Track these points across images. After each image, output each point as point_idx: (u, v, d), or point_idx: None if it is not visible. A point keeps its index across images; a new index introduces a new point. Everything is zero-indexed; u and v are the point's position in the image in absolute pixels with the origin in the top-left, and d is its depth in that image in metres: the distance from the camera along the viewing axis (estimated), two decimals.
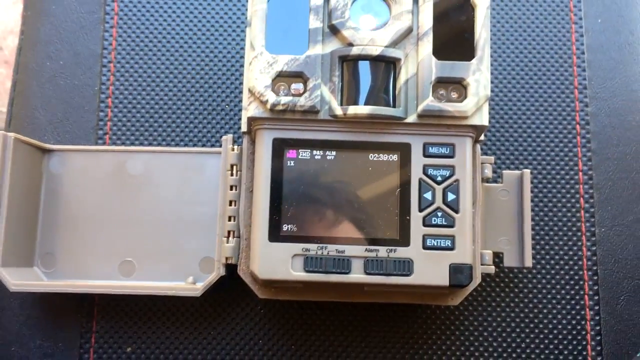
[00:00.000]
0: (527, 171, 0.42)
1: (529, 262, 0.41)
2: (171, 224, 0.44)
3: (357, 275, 0.36)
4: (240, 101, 0.47)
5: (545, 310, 0.44)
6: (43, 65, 0.48)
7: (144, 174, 0.44)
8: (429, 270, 0.36)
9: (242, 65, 0.47)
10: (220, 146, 0.44)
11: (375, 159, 0.37)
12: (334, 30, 0.37)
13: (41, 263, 0.44)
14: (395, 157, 0.37)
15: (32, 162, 0.44)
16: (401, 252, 0.36)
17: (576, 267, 0.45)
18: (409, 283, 0.36)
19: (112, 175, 0.44)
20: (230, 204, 0.41)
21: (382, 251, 0.36)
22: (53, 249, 0.44)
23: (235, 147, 0.41)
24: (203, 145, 0.47)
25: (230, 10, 0.48)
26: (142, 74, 0.48)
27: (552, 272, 0.44)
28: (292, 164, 0.37)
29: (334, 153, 0.37)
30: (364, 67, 0.37)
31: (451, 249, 0.37)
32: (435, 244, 0.37)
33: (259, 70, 0.37)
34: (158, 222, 0.44)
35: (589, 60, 0.48)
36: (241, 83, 0.47)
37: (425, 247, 0.37)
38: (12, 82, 0.49)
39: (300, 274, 0.36)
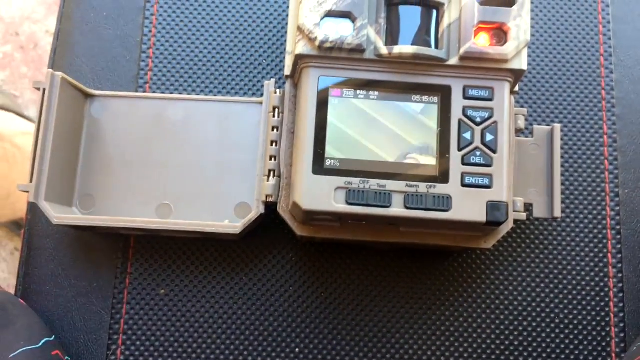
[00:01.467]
0: (557, 126, 0.43)
1: (558, 213, 0.42)
2: (208, 169, 0.45)
3: (397, 209, 0.37)
4: (278, 57, 0.48)
5: (571, 264, 0.45)
6: (87, 16, 0.50)
7: (183, 121, 0.45)
8: (467, 206, 0.37)
9: (280, 22, 0.49)
10: (260, 96, 0.46)
11: (417, 100, 0.39)
12: None
13: (80, 204, 0.45)
14: (436, 99, 0.39)
15: (76, 105, 0.45)
16: (440, 189, 0.38)
17: (600, 226, 0.46)
18: (447, 218, 0.37)
19: (151, 121, 0.45)
20: (272, 145, 0.42)
21: (422, 187, 0.38)
22: (92, 190, 0.45)
23: (278, 90, 0.42)
24: (244, 95, 0.48)
25: None
26: (182, 27, 0.49)
27: (577, 229, 0.46)
28: (337, 102, 0.39)
29: (377, 93, 0.39)
30: (409, 11, 0.39)
31: (489, 187, 0.38)
32: (474, 182, 0.38)
33: (308, 9, 0.38)
34: (196, 167, 0.45)
35: (614, 30, 0.49)
36: (279, 40, 0.49)
37: (463, 185, 0.38)
38: (55, 31, 0.50)
39: (342, 206, 0.37)
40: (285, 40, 0.47)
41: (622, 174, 0.47)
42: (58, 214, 0.42)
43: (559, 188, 0.43)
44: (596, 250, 0.46)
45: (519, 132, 0.42)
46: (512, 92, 0.41)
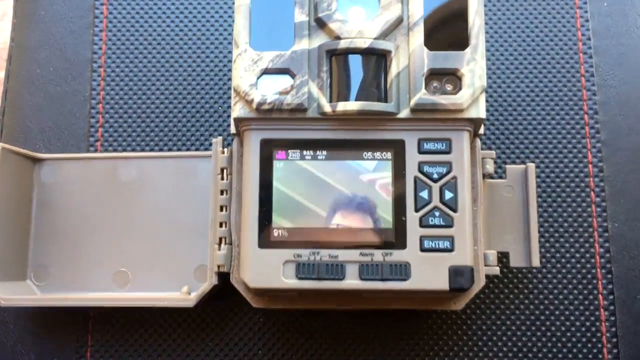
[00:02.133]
0: (531, 165, 0.40)
1: (536, 262, 0.39)
2: (165, 231, 0.42)
3: (352, 282, 0.35)
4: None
5: (557, 312, 0.42)
6: (33, 73, 0.47)
7: (137, 180, 0.43)
8: (428, 273, 0.34)
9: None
10: None
11: (369, 157, 0.36)
12: (321, 24, 0.36)
13: (34, 276, 0.43)
14: (389, 155, 0.35)
15: (23, 172, 0.43)
16: (398, 256, 0.35)
17: (589, 265, 0.42)
18: (406, 288, 0.34)
19: (104, 183, 0.43)
20: (222, 209, 0.39)
21: (378, 255, 0.35)
22: (46, 260, 0.43)
23: (226, 149, 0.40)
24: (197, 149, 0.45)
25: (220, 10, 0.47)
26: (132, 78, 0.46)
27: (563, 271, 0.42)
28: (282, 165, 0.36)
29: (324, 152, 0.36)
30: (353, 61, 0.35)
31: (450, 250, 0.35)
32: (433, 246, 0.35)
33: (243, 68, 0.35)
34: (152, 230, 0.42)
35: (596, 46, 0.45)
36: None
37: (422, 249, 0.35)
38: (2, 90, 0.48)
39: (292, 282, 0.35)
40: None
41: (610, 206, 0.43)
42: (6, 295, 0.40)
43: (536, 235, 0.39)
44: (585, 292, 0.42)
45: (488, 176, 0.39)
46: (476, 135, 0.37)
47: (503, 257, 0.40)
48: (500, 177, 0.42)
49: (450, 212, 0.35)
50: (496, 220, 0.40)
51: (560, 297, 0.42)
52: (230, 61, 0.46)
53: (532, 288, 0.42)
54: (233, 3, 0.47)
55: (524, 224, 0.40)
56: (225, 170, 0.39)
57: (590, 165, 0.44)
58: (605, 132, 0.44)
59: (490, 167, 0.38)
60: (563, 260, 0.42)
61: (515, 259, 0.39)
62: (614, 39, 0.45)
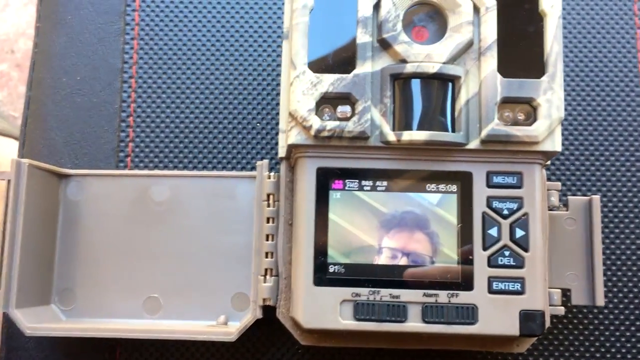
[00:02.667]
0: (596, 197, 0.37)
1: (600, 301, 0.37)
2: (200, 255, 0.40)
3: (414, 324, 0.32)
4: (274, 119, 0.43)
5: (618, 355, 0.39)
6: (59, 81, 0.44)
7: (170, 201, 0.41)
8: (496, 317, 0.32)
9: (275, 81, 0.43)
10: (253, 169, 0.41)
11: (432, 190, 0.33)
12: (385, 45, 0.33)
13: (59, 300, 0.40)
14: (454, 188, 0.33)
15: (48, 188, 0.40)
16: (464, 297, 0.32)
17: None
18: (473, 333, 0.32)
19: (134, 202, 0.41)
20: (267, 239, 0.37)
21: (443, 296, 0.32)
22: (72, 284, 0.40)
23: (272, 174, 0.37)
24: (234, 169, 0.42)
25: (260, 19, 0.44)
26: (166, 90, 0.43)
27: (626, 311, 0.40)
28: (339, 196, 0.33)
29: (385, 183, 0.33)
30: (419, 87, 0.33)
31: (521, 292, 0.32)
32: (503, 288, 0.32)
33: (301, 92, 0.32)
34: (186, 254, 0.40)
35: None
36: (274, 99, 0.43)
37: (491, 291, 0.32)
38: (25, 99, 0.45)
39: (350, 322, 0.32)
40: None
41: None
42: (31, 323, 0.37)
43: (601, 271, 0.37)
44: None
45: (550, 209, 0.36)
46: (543, 167, 0.35)
47: (564, 295, 0.38)
48: (559, 208, 0.39)
49: (521, 252, 0.33)
50: (557, 255, 0.37)
51: (623, 339, 0.40)
52: (271, 75, 0.43)
53: (594, 329, 0.40)
54: (279, 11, 0.44)
55: (586, 259, 0.37)
56: (271, 197, 0.37)
57: None
58: None
59: (554, 199, 0.36)
60: (626, 300, 0.40)
61: (577, 297, 0.37)
62: None
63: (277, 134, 0.42)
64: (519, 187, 0.33)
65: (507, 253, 0.33)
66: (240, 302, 0.39)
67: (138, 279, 0.40)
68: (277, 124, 0.42)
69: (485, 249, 0.33)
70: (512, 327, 0.32)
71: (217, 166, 0.43)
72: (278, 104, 0.43)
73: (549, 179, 0.41)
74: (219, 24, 0.44)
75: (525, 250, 0.33)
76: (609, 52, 0.43)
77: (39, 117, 0.44)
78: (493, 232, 0.33)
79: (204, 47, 0.44)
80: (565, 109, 0.42)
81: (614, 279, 0.40)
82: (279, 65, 0.43)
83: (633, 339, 0.40)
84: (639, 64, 0.43)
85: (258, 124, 0.43)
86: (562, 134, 0.42)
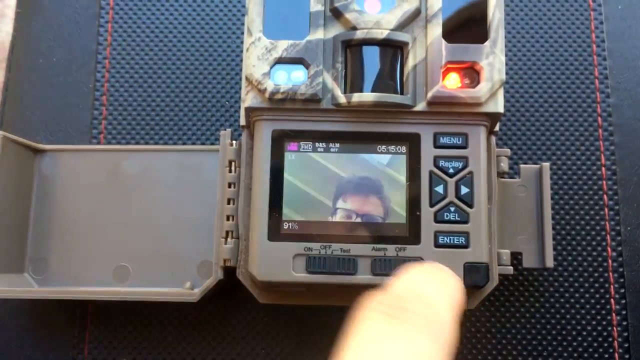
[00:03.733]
0: (546, 165, 0.39)
1: (550, 263, 0.38)
2: (168, 226, 0.41)
3: (363, 276, 0.33)
4: (238, 100, 0.45)
5: (568, 315, 0.41)
6: (36, 63, 0.46)
7: (140, 174, 0.42)
8: None
9: (239, 58, 0.45)
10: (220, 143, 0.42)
11: (382, 151, 0.35)
12: (337, 14, 0.35)
13: (32, 269, 0.42)
14: (404, 149, 0.35)
15: (23, 162, 0.42)
16: (411, 251, 0.34)
17: (601, 269, 0.42)
18: None
19: (106, 176, 0.42)
20: (229, 203, 0.38)
21: (391, 250, 0.34)
22: (45, 253, 0.42)
23: (234, 142, 0.39)
24: (202, 143, 0.44)
25: (229, 2, 0.46)
26: (138, 70, 0.45)
27: (575, 274, 0.41)
28: (293, 157, 0.35)
29: (337, 145, 0.35)
30: (369, 53, 0.35)
31: (465, 246, 0.34)
32: (448, 242, 0.34)
33: (256, 57, 0.34)
34: (154, 225, 0.41)
35: (610, 48, 0.45)
36: (240, 81, 0.45)
37: (437, 245, 0.34)
38: (4, 80, 0.47)
39: (302, 275, 0.34)
40: None
41: (623, 210, 0.42)
42: (4, 286, 0.39)
43: (550, 234, 0.38)
44: (597, 296, 0.41)
45: (502, 175, 0.38)
46: (491, 132, 0.36)
47: (515, 258, 0.39)
48: (512, 177, 0.41)
49: (466, 208, 0.34)
50: (509, 220, 0.39)
51: (572, 300, 0.41)
52: (237, 53, 0.45)
53: (544, 290, 0.41)
54: None
55: (537, 224, 0.39)
56: (233, 163, 0.38)
57: (603, 168, 0.43)
58: (618, 135, 0.43)
59: (504, 165, 0.38)
60: (575, 262, 0.42)
61: (528, 259, 0.39)
62: (628, 41, 0.45)
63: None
64: (464, 147, 0.34)
65: (452, 209, 0.34)
66: (206, 270, 0.40)
67: (108, 248, 0.41)
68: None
69: (432, 205, 0.34)
70: None
71: (186, 142, 0.44)
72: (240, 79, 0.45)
73: (500, 147, 0.42)
74: (189, 7, 0.46)
75: (470, 206, 0.34)
76: (559, 19, 0.45)
77: (16, 97, 0.46)
78: (439, 189, 0.34)
79: (175, 29, 0.46)
80: (518, 81, 0.44)
81: (562, 243, 0.42)
82: (243, 43, 0.45)
83: (581, 300, 0.41)
84: (592, 43, 0.45)
85: (227, 102, 0.45)
86: (516, 107, 0.44)
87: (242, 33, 0.46)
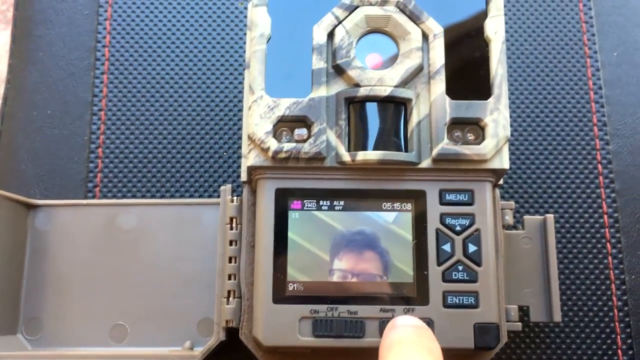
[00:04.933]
0: (550, 216, 0.39)
1: (557, 317, 0.38)
2: (166, 282, 0.40)
3: (372, 339, 0.33)
4: (240, 148, 0.44)
5: None
6: (30, 115, 0.45)
7: (137, 229, 0.41)
8: (452, 331, 0.33)
9: (240, 110, 0.45)
10: (219, 197, 0.42)
11: (388, 208, 0.34)
12: (339, 71, 0.35)
13: (25, 329, 0.40)
14: (409, 206, 0.34)
15: (17, 218, 0.41)
16: (420, 312, 0.33)
17: (607, 319, 0.41)
18: None
19: (102, 231, 0.41)
20: (230, 261, 0.37)
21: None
22: (39, 313, 0.40)
23: (235, 198, 0.38)
24: (200, 196, 0.43)
25: (227, 53, 0.46)
26: (134, 122, 0.45)
27: (581, 325, 0.41)
28: (297, 215, 0.34)
29: (342, 203, 0.34)
30: (372, 109, 0.34)
31: (475, 306, 0.33)
32: (457, 302, 0.33)
33: (259, 115, 0.34)
34: (152, 281, 0.40)
35: (607, 95, 0.45)
36: (240, 129, 0.44)
37: (446, 306, 0.33)
38: None
39: (308, 339, 0.33)
40: None
41: (627, 258, 0.42)
42: None
43: (557, 289, 0.38)
44: (604, 347, 0.41)
45: (506, 228, 0.38)
46: (496, 185, 0.36)
47: (521, 311, 0.39)
48: (516, 226, 0.41)
49: (474, 267, 0.34)
50: (515, 273, 0.38)
51: (579, 352, 0.41)
52: (235, 103, 0.45)
53: (550, 343, 0.40)
54: (242, 44, 0.46)
55: (543, 276, 0.38)
56: (234, 220, 0.38)
57: (605, 216, 0.43)
58: (619, 181, 0.43)
59: (509, 218, 0.37)
60: (581, 313, 0.41)
61: (535, 313, 0.38)
62: (624, 88, 0.45)
63: (240, 159, 0.43)
64: (471, 204, 0.34)
65: (460, 268, 0.34)
66: (206, 328, 0.39)
67: (105, 307, 0.40)
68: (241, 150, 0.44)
69: (439, 264, 0.34)
70: (467, 341, 0.33)
71: (184, 194, 0.44)
72: (241, 131, 0.44)
73: (504, 199, 0.42)
74: (187, 58, 0.46)
75: (478, 264, 0.34)
76: (555, 66, 0.45)
77: (10, 150, 0.45)
78: (447, 247, 0.34)
79: (172, 80, 0.45)
80: (518, 131, 0.44)
81: (567, 294, 0.41)
82: (241, 94, 0.45)
83: (589, 352, 0.40)
84: (590, 90, 0.45)
85: (225, 153, 0.44)
86: (517, 157, 0.44)
87: (240, 83, 0.45)
